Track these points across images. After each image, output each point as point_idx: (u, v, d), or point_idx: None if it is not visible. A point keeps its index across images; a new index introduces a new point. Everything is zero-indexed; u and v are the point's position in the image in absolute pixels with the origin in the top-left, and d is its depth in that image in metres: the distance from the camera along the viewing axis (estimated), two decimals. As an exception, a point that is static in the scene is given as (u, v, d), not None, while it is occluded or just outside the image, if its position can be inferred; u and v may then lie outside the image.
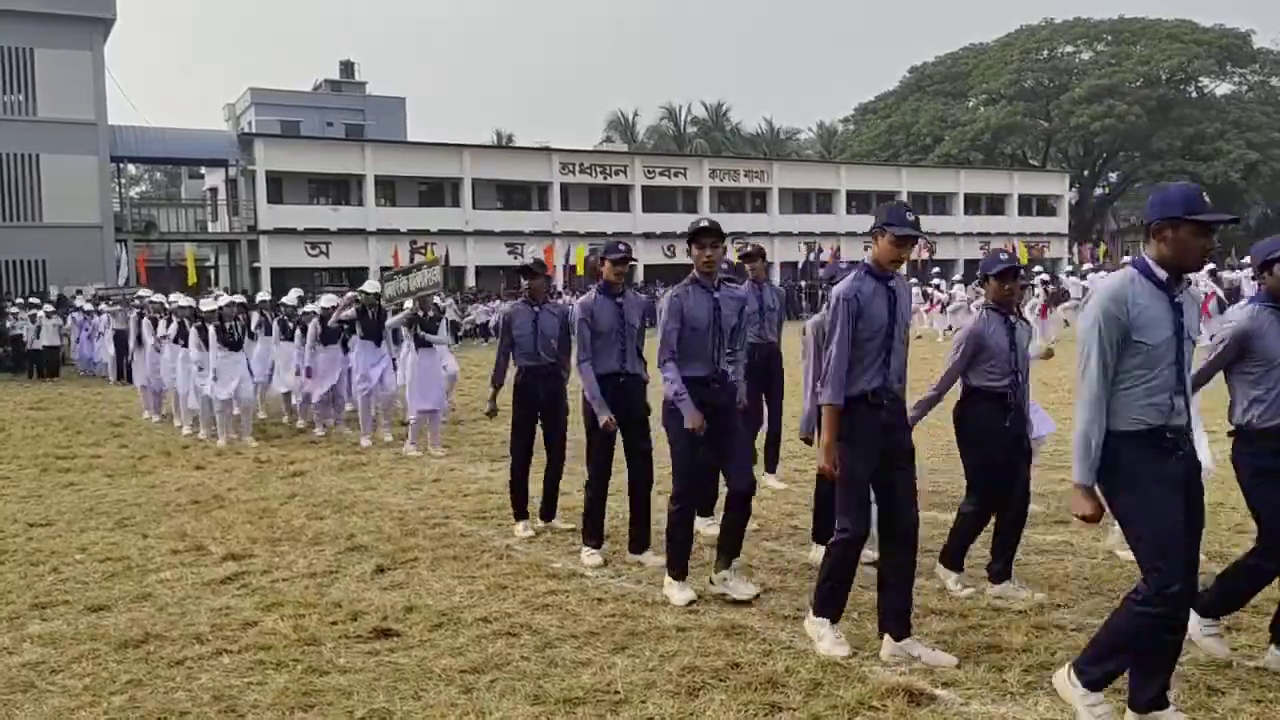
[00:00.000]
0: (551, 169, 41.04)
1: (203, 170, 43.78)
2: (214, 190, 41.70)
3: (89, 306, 22.63)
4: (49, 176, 30.60)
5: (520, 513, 6.66)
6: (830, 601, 4.34)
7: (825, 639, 4.31)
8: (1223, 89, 59.07)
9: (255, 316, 12.77)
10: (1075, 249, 49.63)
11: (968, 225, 49.79)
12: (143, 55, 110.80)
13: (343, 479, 8.86)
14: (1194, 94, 57.97)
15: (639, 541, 5.87)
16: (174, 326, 11.94)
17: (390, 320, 10.60)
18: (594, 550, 5.91)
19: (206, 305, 11.35)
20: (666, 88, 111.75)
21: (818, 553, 5.58)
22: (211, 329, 10.85)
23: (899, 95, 63.67)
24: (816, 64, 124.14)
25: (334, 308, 11.50)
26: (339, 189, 38.99)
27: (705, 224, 4.95)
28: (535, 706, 3.84)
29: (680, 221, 43.51)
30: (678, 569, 5.11)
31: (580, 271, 37.09)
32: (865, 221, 46.43)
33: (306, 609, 5.09)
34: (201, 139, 37.93)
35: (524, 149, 46.21)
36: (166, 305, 13.19)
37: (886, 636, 4.25)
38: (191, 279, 29.86)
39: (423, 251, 35.62)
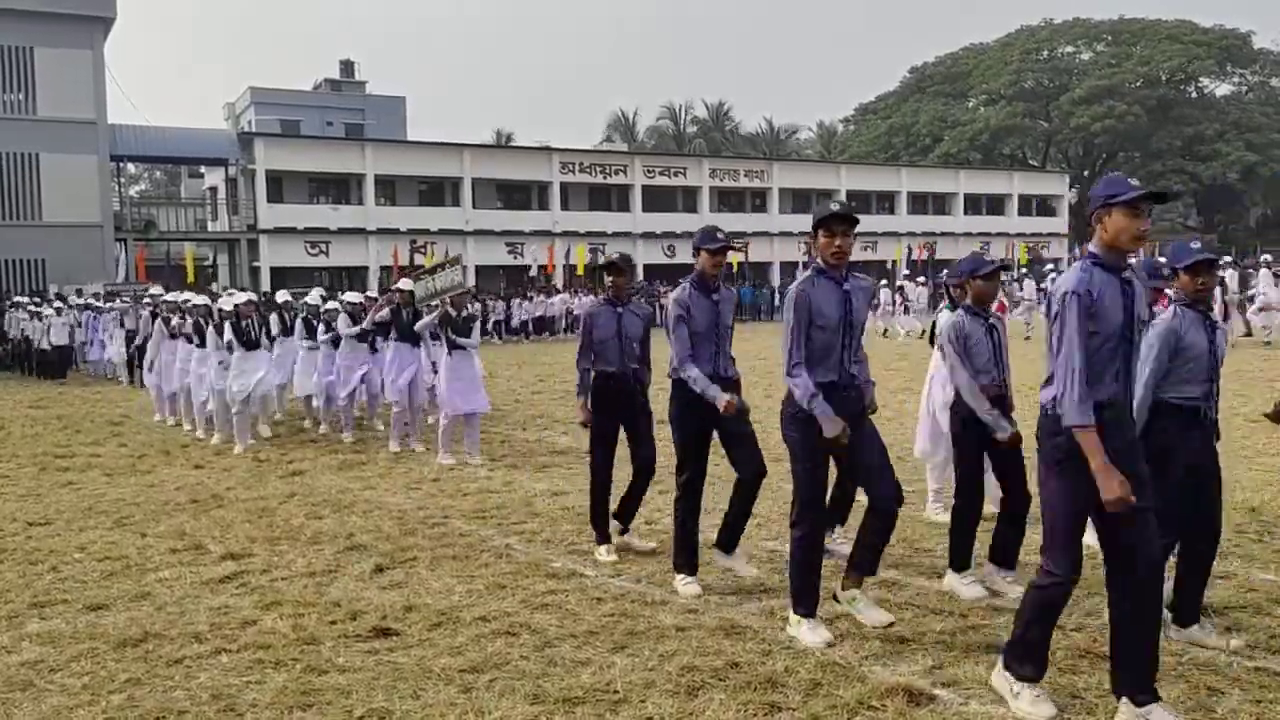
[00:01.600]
0: (551, 168, 41.04)
1: (202, 169, 43.79)
2: (214, 189, 41.70)
3: (99, 304, 21.47)
4: (49, 175, 30.61)
5: (602, 535, 6.02)
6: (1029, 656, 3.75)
7: (1023, 697, 3.70)
8: (1223, 90, 59.17)
9: (274, 317, 12.17)
10: (1076, 249, 49.64)
11: (968, 225, 49.79)
12: (143, 54, 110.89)
13: (342, 478, 8.86)
14: (1194, 94, 58.03)
15: (728, 544, 5.44)
16: (189, 324, 11.44)
17: (420, 323, 10.07)
18: (689, 579, 5.27)
19: (225, 304, 10.86)
20: (667, 87, 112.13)
21: (953, 580, 5.12)
22: (229, 327, 10.47)
23: (899, 95, 63.77)
24: (817, 64, 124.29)
25: (360, 304, 11.15)
26: (339, 188, 39.00)
27: (836, 208, 4.40)
28: (534, 706, 3.83)
29: (680, 221, 43.58)
30: (804, 605, 4.50)
31: (580, 272, 37.08)
32: (865, 221, 46.56)
33: (305, 608, 5.08)
34: (201, 138, 37.92)
35: (524, 148, 46.22)
36: (180, 304, 12.56)
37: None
38: (190, 278, 29.85)
39: (422, 251, 35.60)
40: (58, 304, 21.32)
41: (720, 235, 5.20)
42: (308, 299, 12.96)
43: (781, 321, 4.63)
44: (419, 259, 35.06)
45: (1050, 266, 39.62)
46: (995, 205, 51.83)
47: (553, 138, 54.43)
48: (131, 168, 50.47)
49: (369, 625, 4.77)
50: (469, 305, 9.95)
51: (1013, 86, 57.92)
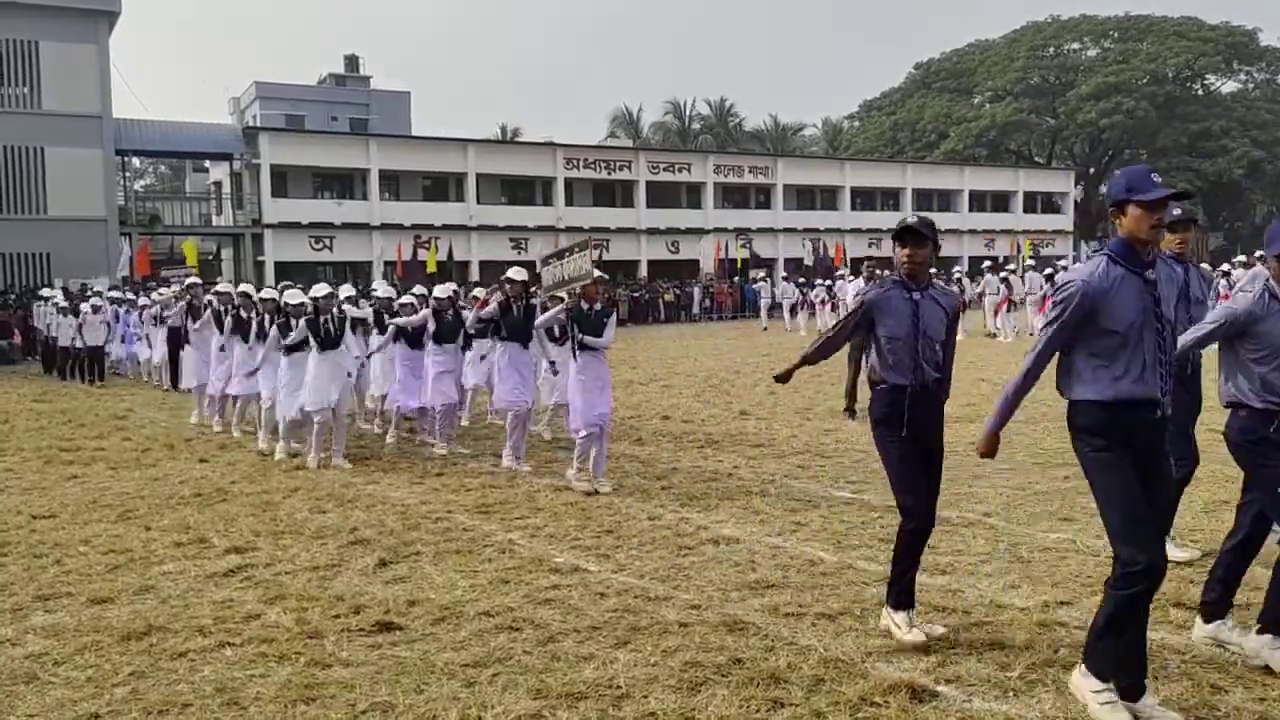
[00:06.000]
0: (555, 164, 41.00)
1: (207, 164, 43.81)
2: (218, 184, 41.73)
3: (133, 297, 19.60)
4: (53, 169, 30.63)
5: (904, 597, 4.37)
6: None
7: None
8: (1228, 87, 59.04)
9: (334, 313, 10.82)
10: (1081, 246, 49.56)
11: (973, 222, 49.73)
12: (147, 49, 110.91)
13: (345, 473, 8.86)
14: (1200, 91, 57.90)
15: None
16: (273, 327, 9.77)
17: (542, 318, 8.55)
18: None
19: (293, 297, 9.58)
20: (671, 83, 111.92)
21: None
22: (304, 324, 9.21)
23: (904, 92, 63.70)
24: (822, 60, 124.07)
25: (449, 299, 9.94)
26: (343, 183, 39.01)
27: None
28: (537, 701, 3.83)
29: (684, 217, 43.56)
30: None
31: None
32: (869, 218, 47.09)
33: (309, 602, 5.09)
34: (206, 132, 37.95)
35: (528, 144, 46.19)
36: (235, 297, 11.35)
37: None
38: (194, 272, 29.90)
39: (426, 246, 35.61)
40: (95, 300, 19.07)
41: (1157, 179, 3.45)
42: (377, 292, 11.68)
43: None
44: (422, 254, 35.10)
45: (1063, 262, 39.51)
46: (1000, 202, 51.75)
47: (557, 133, 54.59)
48: (136, 162, 50.49)
49: (372, 620, 4.78)
50: (602, 297, 8.33)
51: (1019, 83, 57.85)
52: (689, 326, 34.31)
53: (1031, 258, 38.43)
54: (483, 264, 38.52)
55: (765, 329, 29.95)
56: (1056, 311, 3.50)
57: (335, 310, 9.50)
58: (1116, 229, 3.48)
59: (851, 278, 29.14)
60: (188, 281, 14.40)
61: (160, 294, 16.86)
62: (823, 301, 28.14)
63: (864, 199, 49.05)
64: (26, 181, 30.67)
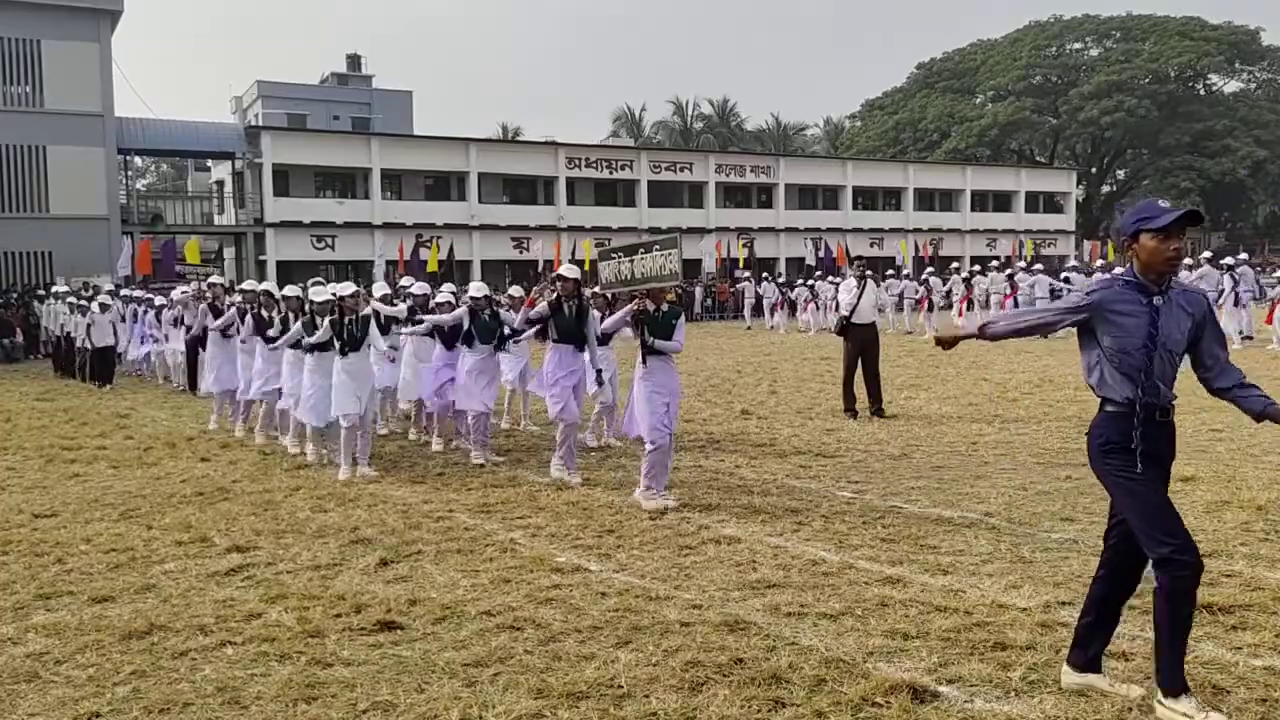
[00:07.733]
0: (557, 163, 41.02)
1: (209, 163, 43.88)
2: (221, 183, 41.78)
3: (150, 296, 18.98)
4: (55, 168, 30.70)
5: (1181, 680, 3.52)
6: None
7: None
8: (1231, 86, 59.06)
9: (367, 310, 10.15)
10: (1083, 246, 49.54)
11: (974, 222, 49.73)
12: (150, 48, 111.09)
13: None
14: (1202, 91, 57.91)
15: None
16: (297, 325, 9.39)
17: (610, 320, 7.89)
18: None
19: (319, 295, 9.13)
20: (673, 83, 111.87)
21: None
22: (327, 324, 8.79)
23: (906, 91, 63.77)
24: (824, 60, 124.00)
25: (484, 297, 9.43)
26: (345, 182, 39.04)
27: None
28: (538, 700, 3.83)
29: (686, 217, 43.54)
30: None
31: (586, 267, 36.96)
32: (871, 218, 47.43)
33: (310, 601, 5.09)
34: (208, 132, 38.00)
35: (530, 143, 46.21)
36: (259, 294, 10.94)
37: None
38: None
39: (428, 245, 35.57)
40: (102, 299, 18.30)
41: None
42: (412, 290, 11.30)
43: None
44: (424, 253, 35.11)
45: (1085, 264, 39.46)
46: (1002, 202, 51.74)
47: (559, 133, 54.50)
48: (138, 160, 50.50)
49: (373, 619, 4.77)
50: (668, 297, 7.53)
51: (1021, 82, 57.90)
52: (691, 326, 34.15)
53: (1034, 258, 38.42)
54: (484, 263, 38.56)
55: (749, 328, 30.43)
56: None
57: (361, 311, 9.06)
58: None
59: (832, 278, 29.66)
60: (208, 280, 13.72)
61: (180, 293, 16.27)
62: (805, 300, 28.58)
63: (866, 198, 49.03)
64: (29, 180, 30.73)
